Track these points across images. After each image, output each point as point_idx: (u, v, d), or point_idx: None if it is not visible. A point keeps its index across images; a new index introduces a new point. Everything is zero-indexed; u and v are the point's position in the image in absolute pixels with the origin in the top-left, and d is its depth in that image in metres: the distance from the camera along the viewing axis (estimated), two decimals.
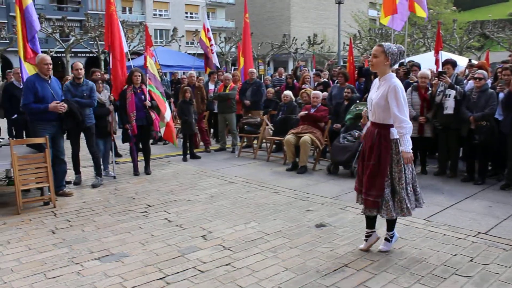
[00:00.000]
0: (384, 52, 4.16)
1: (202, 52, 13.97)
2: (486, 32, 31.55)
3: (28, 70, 7.01)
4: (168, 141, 10.40)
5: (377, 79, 4.40)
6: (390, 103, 4.11)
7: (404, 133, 4.10)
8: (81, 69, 7.38)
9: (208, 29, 13.62)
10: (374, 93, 4.32)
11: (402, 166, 4.25)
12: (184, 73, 21.57)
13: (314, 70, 14.67)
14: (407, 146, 4.12)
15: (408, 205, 4.33)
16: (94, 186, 7.40)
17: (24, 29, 6.98)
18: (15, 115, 8.09)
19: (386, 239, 4.59)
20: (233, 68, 22.10)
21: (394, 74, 4.31)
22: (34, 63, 6.95)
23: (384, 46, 4.19)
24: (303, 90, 9.86)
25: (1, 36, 29.71)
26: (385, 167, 4.25)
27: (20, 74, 7.39)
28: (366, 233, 4.61)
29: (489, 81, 7.78)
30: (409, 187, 4.35)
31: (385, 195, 4.29)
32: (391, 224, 4.55)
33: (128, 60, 9.49)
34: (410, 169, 4.36)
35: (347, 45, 37.75)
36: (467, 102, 7.22)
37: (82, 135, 7.48)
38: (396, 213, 4.36)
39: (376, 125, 4.32)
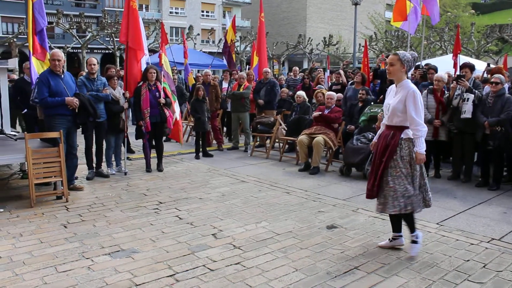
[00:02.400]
0: (399, 60, 4.38)
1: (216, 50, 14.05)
2: (505, 36, 31.07)
3: (36, 65, 7.05)
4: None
5: (393, 85, 4.58)
6: (407, 107, 4.29)
7: (419, 136, 4.27)
8: (94, 65, 7.53)
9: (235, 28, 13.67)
10: (392, 99, 4.49)
11: (412, 166, 4.40)
12: (198, 71, 21.60)
13: (328, 71, 14.61)
14: (421, 147, 4.28)
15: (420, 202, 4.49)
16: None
17: (34, 23, 7.02)
18: (25, 110, 8.13)
19: (413, 242, 4.58)
20: (247, 67, 22.11)
21: (409, 80, 4.49)
22: (41, 59, 7.01)
23: (399, 54, 4.41)
24: (318, 90, 9.82)
25: (20, 31, 30.01)
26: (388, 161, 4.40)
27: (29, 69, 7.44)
28: (393, 235, 4.70)
29: (506, 86, 7.67)
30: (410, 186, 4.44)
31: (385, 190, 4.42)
32: (410, 225, 4.59)
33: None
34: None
35: (363, 46, 37.57)
36: (483, 107, 7.13)
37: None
38: (393, 209, 4.42)
39: (392, 128, 4.48)
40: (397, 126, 4.42)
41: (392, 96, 4.51)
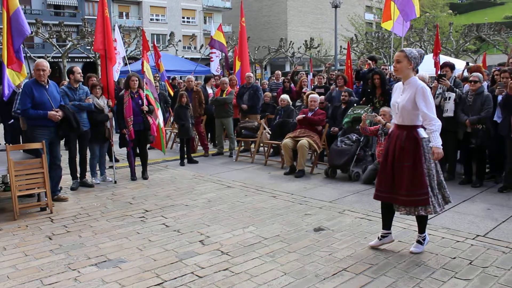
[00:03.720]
0: (406, 57, 4.34)
1: (200, 57, 14.04)
2: (482, 35, 31.62)
3: (11, 76, 6.94)
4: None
5: (400, 83, 4.54)
6: (418, 104, 4.25)
7: (433, 130, 4.23)
8: (81, 74, 7.55)
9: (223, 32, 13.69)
10: (399, 97, 4.44)
11: (431, 163, 4.39)
12: (181, 77, 21.55)
13: (311, 73, 14.68)
14: (437, 142, 4.24)
15: (440, 201, 4.49)
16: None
17: (9, 35, 6.91)
18: (11, 121, 8.03)
19: (418, 242, 4.61)
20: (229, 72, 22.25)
21: (417, 77, 4.45)
22: (17, 70, 6.93)
23: (406, 51, 4.36)
24: (309, 92, 9.84)
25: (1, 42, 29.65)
26: (422, 165, 4.33)
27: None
28: (382, 233, 4.70)
29: (485, 84, 7.78)
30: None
31: (429, 192, 4.37)
32: (422, 226, 4.60)
33: (126, 64, 9.48)
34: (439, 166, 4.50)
35: (344, 48, 37.80)
36: (463, 105, 7.22)
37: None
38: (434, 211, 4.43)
39: (404, 128, 4.42)
40: (409, 126, 4.37)
41: (399, 94, 4.46)
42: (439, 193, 4.46)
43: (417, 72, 8.57)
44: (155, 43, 17.58)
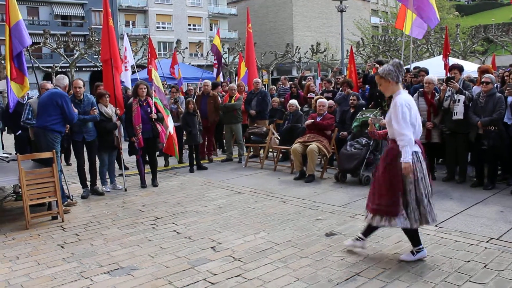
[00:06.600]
0: (382, 78, 4.36)
1: (205, 63, 14.17)
2: (490, 36, 31.49)
3: (15, 89, 7.01)
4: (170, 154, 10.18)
5: None
6: (392, 118, 4.28)
7: (403, 145, 4.21)
8: (80, 88, 7.42)
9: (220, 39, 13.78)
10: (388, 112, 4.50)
11: (413, 178, 4.30)
12: (188, 85, 21.59)
13: (319, 78, 14.67)
14: (405, 157, 4.20)
15: (417, 217, 4.37)
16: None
17: (11, 48, 6.95)
18: (19, 131, 8.08)
19: (411, 252, 4.50)
20: (237, 78, 22.15)
21: (401, 90, 4.42)
22: (20, 82, 7.02)
23: (379, 72, 4.40)
24: (317, 97, 9.83)
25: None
26: (397, 177, 4.30)
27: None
28: (360, 235, 4.70)
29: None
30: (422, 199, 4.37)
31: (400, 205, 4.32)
32: (413, 240, 4.50)
33: (134, 72, 9.52)
34: (423, 182, 4.37)
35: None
36: (475, 107, 7.17)
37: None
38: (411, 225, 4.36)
39: (391, 140, 4.45)
40: (393, 139, 4.37)
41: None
42: (416, 209, 4.34)
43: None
44: (162, 51, 17.66)
